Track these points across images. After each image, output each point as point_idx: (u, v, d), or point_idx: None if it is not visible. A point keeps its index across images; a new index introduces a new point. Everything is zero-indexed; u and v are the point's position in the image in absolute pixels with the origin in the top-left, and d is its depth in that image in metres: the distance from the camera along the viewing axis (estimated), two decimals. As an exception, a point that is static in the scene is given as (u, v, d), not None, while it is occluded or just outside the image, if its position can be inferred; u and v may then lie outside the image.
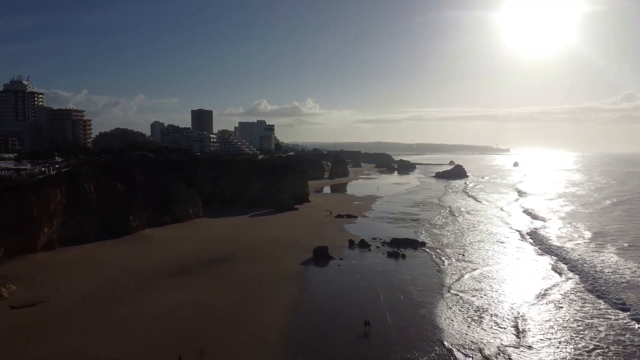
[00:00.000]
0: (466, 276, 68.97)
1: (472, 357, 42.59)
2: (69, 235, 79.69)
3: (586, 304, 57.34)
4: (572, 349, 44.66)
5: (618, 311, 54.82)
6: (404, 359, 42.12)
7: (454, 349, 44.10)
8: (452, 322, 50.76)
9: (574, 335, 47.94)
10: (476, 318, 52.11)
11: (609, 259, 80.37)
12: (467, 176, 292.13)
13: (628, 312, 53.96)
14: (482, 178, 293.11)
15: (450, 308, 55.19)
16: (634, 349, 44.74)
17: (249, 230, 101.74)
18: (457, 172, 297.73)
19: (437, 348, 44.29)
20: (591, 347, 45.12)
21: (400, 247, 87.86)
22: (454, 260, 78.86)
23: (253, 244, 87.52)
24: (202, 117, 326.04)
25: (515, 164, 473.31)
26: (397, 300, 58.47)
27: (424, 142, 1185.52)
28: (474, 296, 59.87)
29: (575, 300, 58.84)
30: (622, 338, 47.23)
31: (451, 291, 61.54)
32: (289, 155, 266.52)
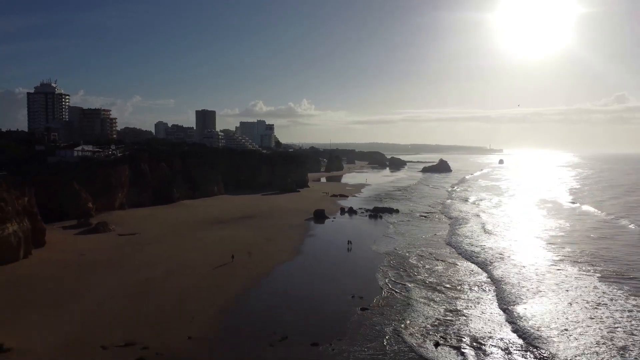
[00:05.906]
0: (406, 227, 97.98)
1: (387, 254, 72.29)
2: (132, 201, 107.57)
3: (451, 252, 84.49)
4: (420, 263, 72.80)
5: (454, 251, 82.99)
6: (366, 259, 70.32)
7: (381, 253, 73.12)
8: (387, 244, 79.85)
9: (430, 271, 75.64)
10: (397, 244, 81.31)
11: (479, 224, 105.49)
12: (451, 170, 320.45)
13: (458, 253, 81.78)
14: (460, 172, 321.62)
15: (387, 240, 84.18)
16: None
17: (262, 203, 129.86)
18: (442, 167, 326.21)
19: (378, 254, 72.50)
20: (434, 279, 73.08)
21: (379, 212, 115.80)
22: (411, 219, 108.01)
23: (267, 210, 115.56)
24: (206, 117, 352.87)
25: (501, 162, 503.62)
26: (369, 235, 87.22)
27: (419, 142, 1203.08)
28: (402, 234, 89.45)
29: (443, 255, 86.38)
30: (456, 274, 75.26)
31: (392, 233, 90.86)
32: (289, 150, 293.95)
